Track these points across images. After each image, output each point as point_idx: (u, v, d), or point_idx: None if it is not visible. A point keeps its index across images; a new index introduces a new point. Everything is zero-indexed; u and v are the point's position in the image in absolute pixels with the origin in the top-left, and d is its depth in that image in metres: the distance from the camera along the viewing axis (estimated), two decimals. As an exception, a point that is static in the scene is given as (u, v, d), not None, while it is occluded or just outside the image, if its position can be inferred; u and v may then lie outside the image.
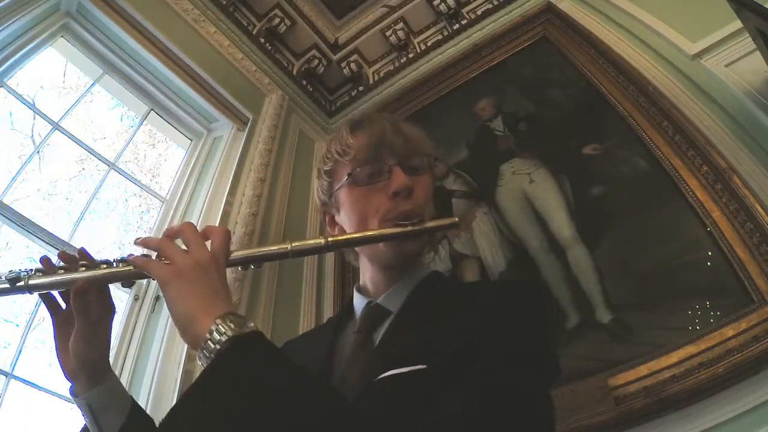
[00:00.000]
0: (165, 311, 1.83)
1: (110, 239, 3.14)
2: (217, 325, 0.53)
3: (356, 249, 0.83)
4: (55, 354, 0.71)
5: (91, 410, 0.69)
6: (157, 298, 1.89)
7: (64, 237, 1.82)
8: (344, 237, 0.74)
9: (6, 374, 1.48)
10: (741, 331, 1.38)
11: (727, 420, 1.29)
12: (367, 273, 0.83)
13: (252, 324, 0.56)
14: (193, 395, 0.51)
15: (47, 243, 1.76)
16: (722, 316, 1.44)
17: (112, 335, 0.73)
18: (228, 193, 2.22)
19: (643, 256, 1.70)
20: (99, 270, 0.64)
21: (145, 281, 1.82)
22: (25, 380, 1.52)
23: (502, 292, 0.73)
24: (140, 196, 3.16)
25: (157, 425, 0.73)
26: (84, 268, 0.64)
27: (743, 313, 1.41)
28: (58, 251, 0.70)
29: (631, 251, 1.74)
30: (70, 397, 0.71)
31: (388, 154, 0.78)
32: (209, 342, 0.53)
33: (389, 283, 0.79)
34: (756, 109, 1.70)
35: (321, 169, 0.86)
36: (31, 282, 0.63)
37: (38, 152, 2.35)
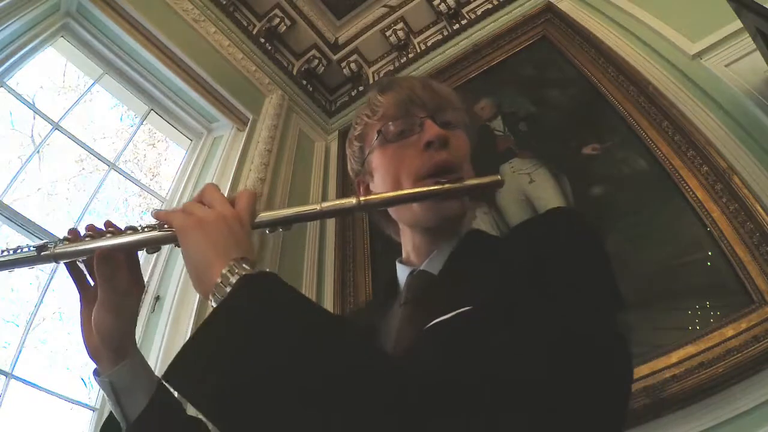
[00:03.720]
0: (165, 311, 1.83)
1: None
2: (231, 266, 0.50)
3: (392, 214, 0.77)
4: (81, 333, 0.68)
5: (114, 391, 0.65)
6: (157, 298, 1.88)
7: (64, 237, 1.82)
8: (377, 196, 0.68)
9: (6, 374, 1.48)
10: (741, 331, 1.38)
11: (727, 420, 1.29)
12: (408, 241, 0.77)
13: (268, 269, 0.53)
14: (203, 334, 0.46)
15: (47, 243, 1.75)
16: (722, 316, 1.44)
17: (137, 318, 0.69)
18: (228, 193, 2.21)
19: (643, 256, 1.70)
20: (125, 236, 0.62)
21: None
22: (25, 380, 1.52)
23: (548, 222, 0.65)
24: (140, 195, 3.16)
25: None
26: (110, 235, 0.62)
27: (743, 313, 1.41)
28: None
29: (631, 251, 1.74)
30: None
31: (418, 108, 0.73)
32: (221, 285, 0.49)
33: (431, 249, 0.72)
34: (756, 109, 1.70)
35: (351, 137, 0.82)
36: (57, 250, 0.62)
37: (38, 152, 2.35)
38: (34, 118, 2.30)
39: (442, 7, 3.12)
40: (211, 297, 0.51)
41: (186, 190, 2.34)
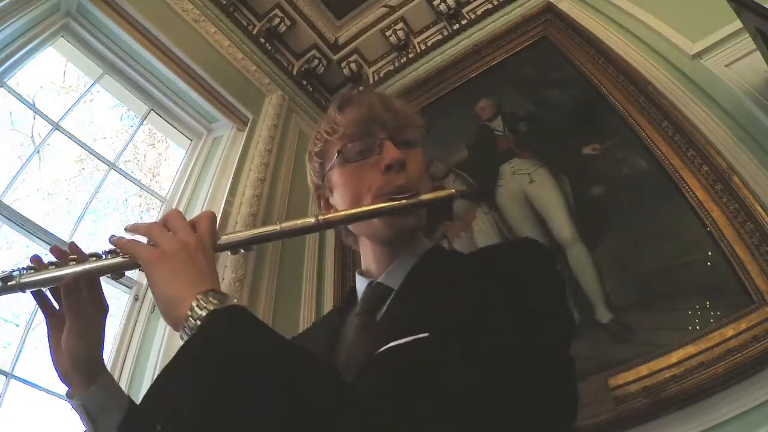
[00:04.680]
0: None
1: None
2: (198, 301, 0.52)
3: (352, 229, 0.80)
4: (50, 356, 0.69)
5: (87, 413, 0.67)
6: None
7: (64, 237, 1.82)
8: (336, 214, 0.71)
9: (6, 374, 1.48)
10: (741, 331, 1.38)
11: (727, 420, 1.29)
12: (367, 253, 0.80)
13: (235, 300, 0.54)
14: (171, 370, 0.48)
15: (47, 243, 1.75)
16: (722, 316, 1.44)
17: (107, 335, 0.71)
18: (228, 193, 2.22)
19: (643, 256, 1.70)
20: (88, 263, 0.63)
21: (136, 275, 1.82)
22: (25, 380, 1.52)
23: (507, 251, 0.70)
24: (140, 195, 3.16)
25: None
26: (74, 262, 0.63)
27: (743, 313, 1.41)
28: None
29: (631, 251, 1.74)
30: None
31: (377, 128, 0.75)
32: (190, 318, 0.51)
33: (390, 261, 0.76)
34: (756, 109, 1.70)
35: (311, 151, 0.83)
36: (22, 280, 0.62)
37: (38, 152, 2.35)
38: (34, 118, 2.30)
39: (442, 7, 3.12)
40: (180, 330, 0.52)
41: (186, 190, 2.34)
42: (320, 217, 0.68)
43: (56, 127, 2.07)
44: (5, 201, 1.71)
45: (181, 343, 0.51)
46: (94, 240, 2.62)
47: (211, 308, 0.51)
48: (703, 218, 1.62)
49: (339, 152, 0.76)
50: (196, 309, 0.51)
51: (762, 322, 1.36)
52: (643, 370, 1.45)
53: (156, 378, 0.48)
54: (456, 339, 0.53)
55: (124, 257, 0.61)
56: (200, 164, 2.47)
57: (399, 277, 0.73)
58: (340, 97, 0.82)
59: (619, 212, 1.85)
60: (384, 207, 0.70)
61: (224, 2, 2.93)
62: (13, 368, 1.50)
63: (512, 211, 2.15)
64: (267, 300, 2.01)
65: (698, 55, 1.93)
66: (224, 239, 0.64)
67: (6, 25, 1.76)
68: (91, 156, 2.31)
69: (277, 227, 0.66)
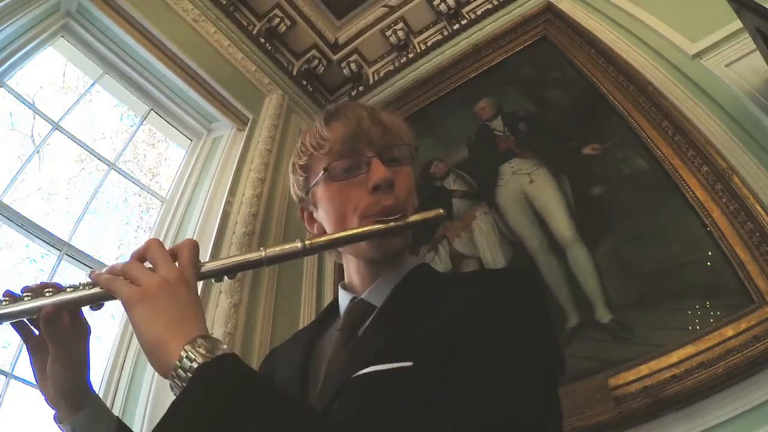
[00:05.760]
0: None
1: (110, 239, 3.14)
2: (187, 352, 0.50)
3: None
4: (36, 382, 0.68)
5: None
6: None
7: (64, 237, 1.82)
8: (323, 239, 0.69)
9: (6, 374, 1.48)
10: (741, 331, 1.38)
11: (727, 420, 1.29)
12: (351, 268, 0.79)
13: (225, 346, 0.53)
14: (166, 424, 0.48)
15: (47, 243, 1.75)
16: (722, 316, 1.44)
17: (99, 354, 0.70)
18: (228, 193, 2.22)
19: (643, 256, 1.70)
20: (66, 293, 0.62)
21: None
22: (25, 380, 1.52)
23: (493, 281, 0.68)
24: (140, 195, 3.15)
25: None
26: (50, 293, 0.62)
27: (743, 313, 1.41)
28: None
29: (631, 251, 1.74)
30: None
31: (365, 145, 0.72)
32: (180, 370, 0.50)
33: (374, 278, 0.75)
34: (756, 109, 1.70)
35: (296, 164, 0.81)
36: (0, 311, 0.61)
37: (38, 152, 2.35)
38: (34, 118, 2.30)
39: (442, 7, 3.12)
40: (169, 380, 0.52)
41: (186, 190, 2.34)
42: (307, 242, 0.66)
43: (56, 127, 2.07)
44: (5, 201, 1.71)
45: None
46: (93, 240, 2.62)
47: (201, 361, 0.50)
48: (703, 218, 1.62)
49: (325, 170, 0.73)
50: (185, 360, 0.50)
51: (762, 322, 1.36)
52: (643, 370, 1.45)
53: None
54: (437, 371, 0.52)
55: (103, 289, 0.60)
56: (200, 164, 2.47)
57: (382, 295, 0.72)
58: (326, 111, 0.79)
59: (619, 212, 1.85)
60: (372, 230, 0.69)
61: (224, 2, 2.93)
62: (13, 368, 1.50)
63: (512, 211, 2.15)
64: (267, 302, 2.01)
65: (698, 55, 1.93)
66: (207, 267, 0.62)
67: (6, 25, 1.76)
68: (91, 156, 2.31)
69: (262, 254, 0.64)
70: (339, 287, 0.81)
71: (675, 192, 1.73)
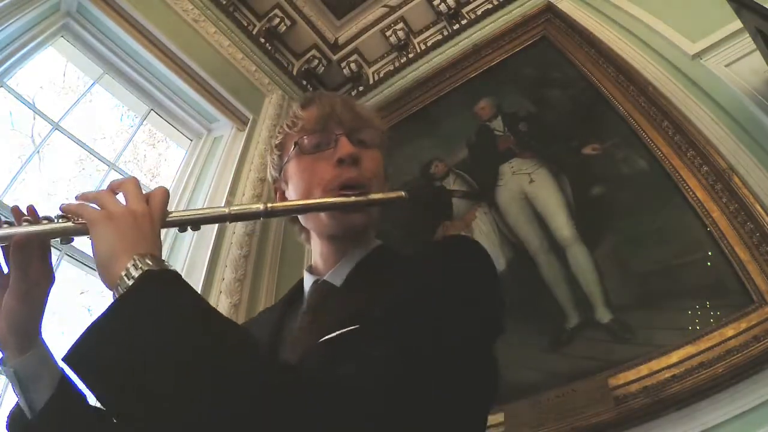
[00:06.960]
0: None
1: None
2: (135, 261, 0.52)
3: (303, 223, 0.82)
4: None
5: (19, 380, 0.66)
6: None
7: (64, 237, 1.82)
8: (284, 204, 0.73)
9: (6, 374, 1.48)
10: (741, 331, 1.38)
11: (727, 420, 1.29)
12: (316, 249, 0.82)
13: (173, 267, 0.54)
14: (102, 323, 0.48)
15: (47, 243, 1.75)
16: (722, 316, 1.44)
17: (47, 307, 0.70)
18: (228, 193, 2.22)
19: (643, 256, 1.70)
20: (39, 225, 0.63)
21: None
22: None
23: (439, 244, 0.74)
24: (140, 196, 3.15)
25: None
26: (27, 223, 0.63)
27: (743, 313, 1.41)
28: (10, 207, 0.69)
29: (631, 251, 1.74)
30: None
31: (335, 124, 0.77)
32: (124, 278, 0.51)
33: (336, 259, 0.78)
34: (756, 109, 1.70)
35: (272, 144, 0.86)
36: None
37: (38, 152, 2.35)
38: (34, 118, 2.30)
39: (442, 7, 3.12)
40: (114, 289, 0.52)
41: (186, 190, 2.34)
42: (269, 205, 0.69)
43: (56, 127, 2.07)
44: (5, 201, 1.71)
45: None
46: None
47: (146, 269, 0.51)
48: (703, 218, 1.62)
49: (296, 144, 0.78)
50: (131, 269, 0.51)
51: (762, 322, 1.36)
52: (643, 370, 1.45)
53: (84, 333, 0.47)
54: (378, 327, 0.56)
55: (76, 223, 0.61)
56: (200, 164, 2.47)
57: (343, 276, 0.75)
58: (304, 97, 0.85)
59: (619, 212, 1.85)
60: (332, 202, 0.72)
61: (224, 2, 2.93)
62: None
63: (512, 210, 2.15)
64: (267, 301, 2.01)
65: (698, 55, 1.93)
66: (174, 216, 0.64)
67: (6, 25, 1.76)
68: (91, 156, 2.31)
69: (227, 210, 0.67)
70: (305, 270, 0.83)
71: (675, 192, 1.73)
